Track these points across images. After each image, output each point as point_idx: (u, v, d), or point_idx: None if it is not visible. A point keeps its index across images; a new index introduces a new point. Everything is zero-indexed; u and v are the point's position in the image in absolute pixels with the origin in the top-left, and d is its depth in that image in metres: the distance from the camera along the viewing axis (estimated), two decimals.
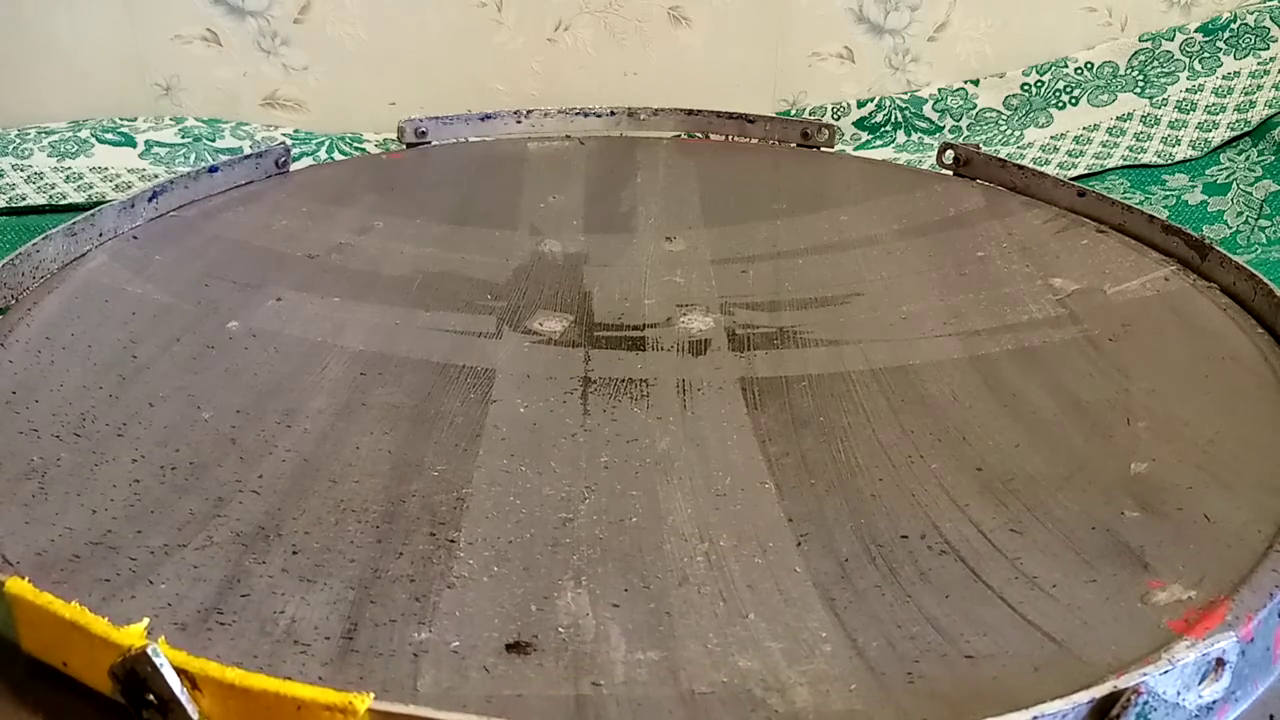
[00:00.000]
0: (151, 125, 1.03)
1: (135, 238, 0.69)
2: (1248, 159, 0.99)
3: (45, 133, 1.01)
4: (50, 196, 0.95)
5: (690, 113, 0.93)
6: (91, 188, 0.97)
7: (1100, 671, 0.36)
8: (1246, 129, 1.02)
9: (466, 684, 0.36)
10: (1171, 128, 1.04)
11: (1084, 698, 0.32)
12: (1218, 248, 0.65)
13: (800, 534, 0.44)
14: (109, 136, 1.02)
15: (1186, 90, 1.06)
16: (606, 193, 0.81)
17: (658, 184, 0.83)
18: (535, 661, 0.37)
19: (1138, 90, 1.07)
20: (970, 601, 0.40)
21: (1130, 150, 1.03)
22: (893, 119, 1.08)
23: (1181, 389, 0.54)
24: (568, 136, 0.92)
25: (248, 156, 0.80)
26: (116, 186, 0.97)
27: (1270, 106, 1.02)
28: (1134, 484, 0.47)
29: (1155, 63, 1.07)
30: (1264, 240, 0.91)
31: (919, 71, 1.09)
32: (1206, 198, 0.96)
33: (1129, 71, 1.07)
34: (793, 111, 1.08)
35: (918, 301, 0.64)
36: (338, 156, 1.03)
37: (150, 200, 0.72)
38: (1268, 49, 1.06)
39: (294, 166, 0.83)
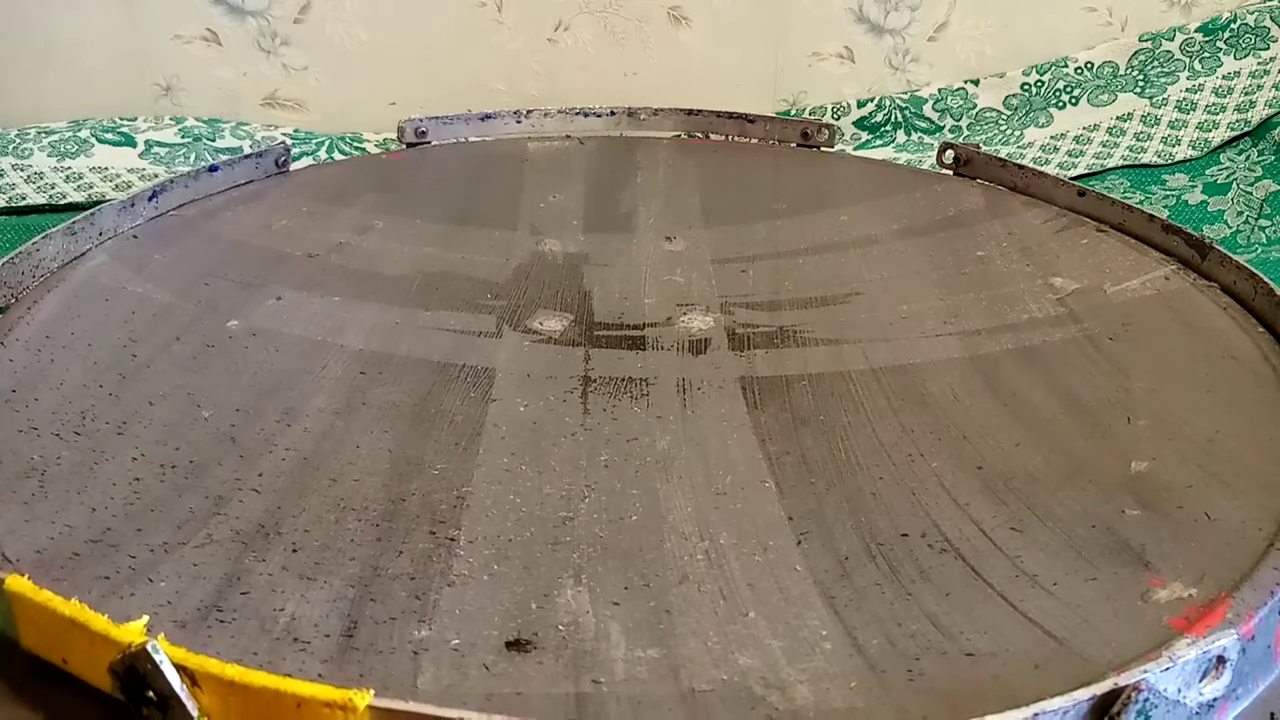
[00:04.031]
0: (151, 125, 1.04)
1: (135, 237, 0.69)
2: (1248, 159, 0.99)
3: (45, 133, 1.01)
4: (50, 196, 0.95)
5: (690, 113, 0.93)
6: (91, 187, 0.97)
7: (1101, 669, 0.36)
8: (1246, 129, 1.02)
9: (466, 681, 0.36)
10: (1171, 128, 1.04)
11: (1085, 695, 0.32)
12: (1218, 247, 0.65)
13: (800, 532, 0.44)
14: (109, 136, 1.02)
15: (1186, 90, 1.06)
16: (606, 193, 0.81)
17: (658, 184, 0.83)
18: (535, 659, 0.37)
19: (1138, 90, 1.07)
20: (971, 599, 0.40)
21: (1130, 150, 1.03)
22: (893, 119, 1.08)
23: (1181, 388, 0.54)
24: (568, 136, 0.92)
25: (248, 156, 0.80)
26: (116, 186, 0.97)
27: (1270, 106, 1.02)
28: (1134, 482, 0.47)
29: (1155, 63, 1.07)
30: (1264, 240, 0.91)
31: (919, 71, 1.09)
32: (1206, 197, 0.96)
33: (1129, 71, 1.08)
34: (793, 111, 1.08)
35: (918, 301, 0.64)
36: (338, 156, 1.03)
37: (150, 200, 0.72)
38: (1268, 49, 1.06)
39: (294, 166, 0.83)
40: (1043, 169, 0.81)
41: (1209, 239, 0.65)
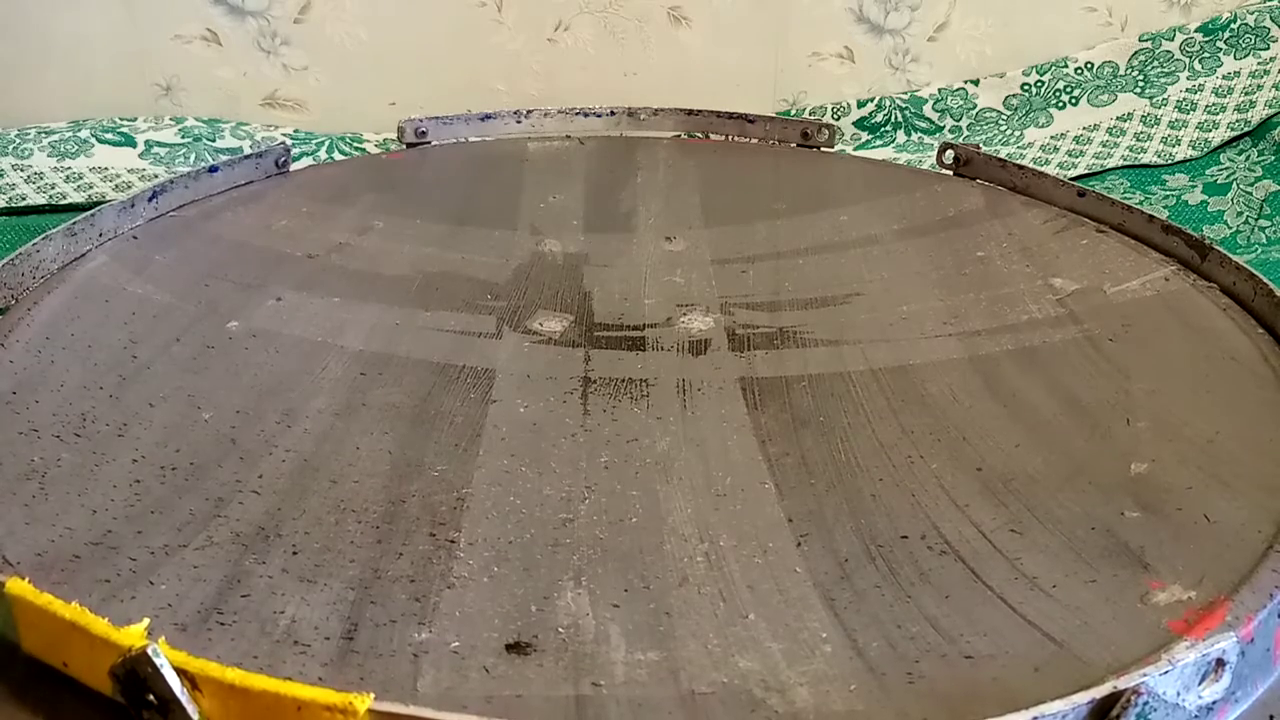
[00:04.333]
0: (151, 125, 1.03)
1: (135, 238, 0.69)
2: (1248, 159, 0.99)
3: (45, 133, 1.01)
4: (50, 196, 0.95)
5: (690, 113, 0.93)
6: (91, 188, 0.97)
7: (1100, 672, 0.36)
8: (1246, 129, 1.02)
9: (466, 684, 0.36)
10: (1171, 128, 1.04)
11: (1084, 698, 0.32)
12: (1218, 248, 0.64)
13: (800, 534, 0.44)
14: (109, 136, 1.02)
15: (1186, 90, 1.06)
16: (606, 193, 0.81)
17: (658, 184, 0.83)
18: (535, 662, 0.37)
19: (1138, 90, 1.07)
20: (970, 602, 0.40)
21: (1130, 150, 1.03)
22: (893, 119, 1.08)
23: (1181, 389, 0.54)
24: (568, 136, 0.92)
25: (248, 156, 0.80)
26: (116, 186, 0.97)
27: (1270, 106, 1.02)
28: (1134, 484, 0.47)
29: (1155, 63, 1.07)
30: (1264, 240, 0.91)
31: (919, 71, 1.09)
32: (1206, 198, 0.96)
33: (1129, 71, 1.08)
34: (793, 111, 1.08)
35: (918, 301, 0.64)
36: (338, 156, 1.03)
37: (150, 200, 0.72)
38: (1268, 49, 1.06)
39: (294, 166, 0.83)
40: (1043, 169, 0.81)
41: (1209, 239, 0.65)
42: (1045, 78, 1.08)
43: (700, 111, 0.93)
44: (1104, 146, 1.04)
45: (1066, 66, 1.08)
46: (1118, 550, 0.43)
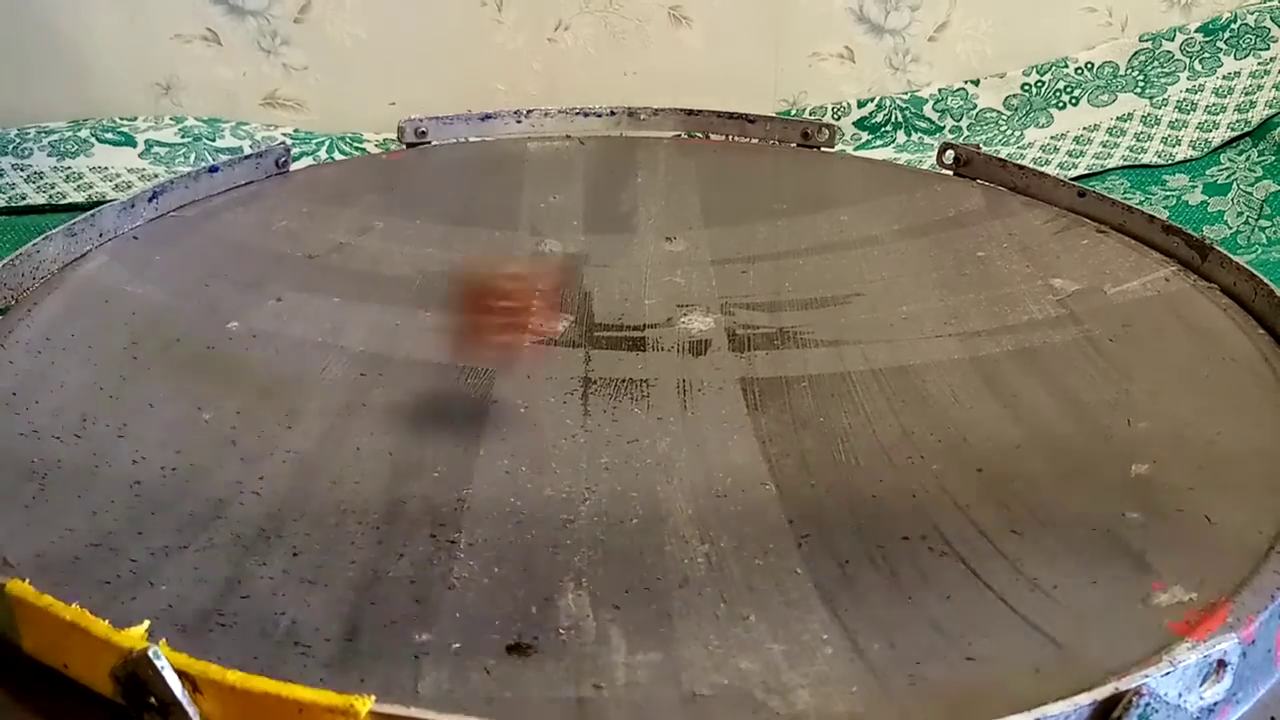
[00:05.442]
0: (151, 125, 1.03)
1: (135, 238, 0.69)
2: (1248, 159, 1.00)
3: (45, 132, 1.01)
4: (50, 196, 0.95)
5: (690, 113, 0.93)
6: (91, 187, 0.97)
7: (1101, 673, 0.36)
8: (1247, 129, 1.02)
9: (467, 686, 0.36)
10: (1172, 128, 1.04)
11: (1085, 699, 0.32)
12: (1218, 248, 0.64)
13: (801, 535, 0.44)
14: (109, 136, 1.02)
15: (1187, 90, 1.06)
16: (606, 193, 0.81)
17: (658, 184, 0.83)
18: (536, 663, 0.37)
19: (1138, 90, 1.07)
20: (971, 603, 0.40)
21: (1130, 150, 1.03)
22: (893, 119, 1.08)
23: (1182, 390, 0.54)
24: (568, 136, 0.92)
25: (248, 156, 0.80)
26: (116, 186, 0.97)
27: (1270, 107, 1.02)
28: (1135, 485, 0.47)
29: (1155, 63, 1.07)
30: (1264, 240, 0.91)
31: (919, 71, 1.09)
32: (1207, 198, 0.96)
33: (1129, 71, 1.08)
34: (793, 111, 1.08)
35: (918, 301, 0.64)
36: (338, 156, 1.03)
37: (150, 200, 0.72)
38: (1268, 49, 1.06)
39: (294, 166, 0.83)
40: (1043, 169, 0.81)
41: (1209, 240, 0.65)
42: (1045, 78, 1.08)
43: (700, 111, 0.93)
44: (1104, 147, 1.04)
45: (1066, 66, 1.08)
46: (1119, 551, 0.43)
